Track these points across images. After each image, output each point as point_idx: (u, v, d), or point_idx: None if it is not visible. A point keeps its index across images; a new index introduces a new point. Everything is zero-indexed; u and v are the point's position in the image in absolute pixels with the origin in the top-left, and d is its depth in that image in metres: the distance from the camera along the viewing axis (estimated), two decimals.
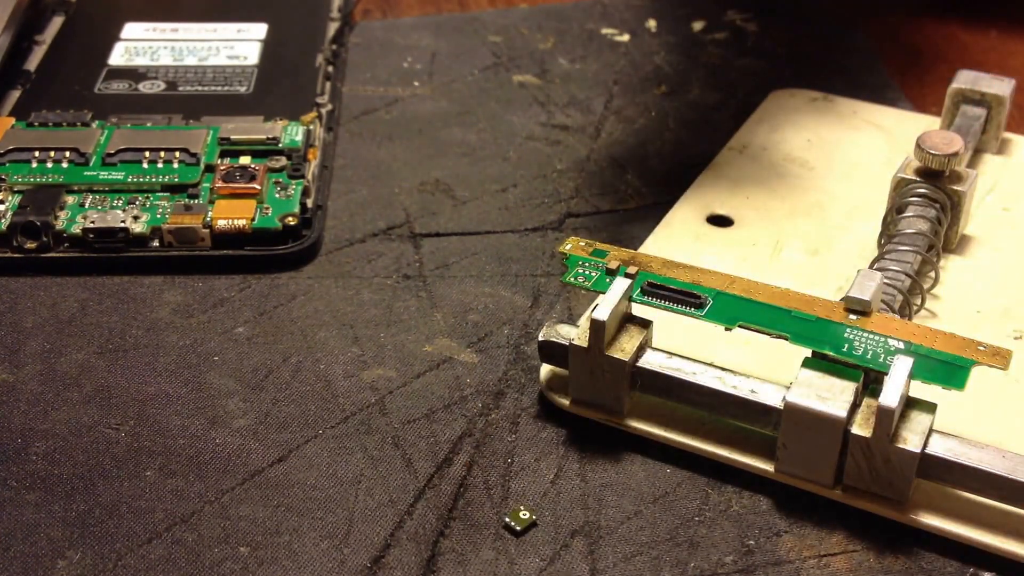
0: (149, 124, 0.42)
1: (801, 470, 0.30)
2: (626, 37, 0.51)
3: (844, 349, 0.30)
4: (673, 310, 0.32)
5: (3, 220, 0.38)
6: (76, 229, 0.38)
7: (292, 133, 0.42)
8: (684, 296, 0.32)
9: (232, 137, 0.41)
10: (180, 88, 0.45)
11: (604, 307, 0.31)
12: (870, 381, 0.30)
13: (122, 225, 0.38)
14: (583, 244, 0.34)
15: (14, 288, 0.37)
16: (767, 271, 0.37)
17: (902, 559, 0.29)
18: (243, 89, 0.45)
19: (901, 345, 0.30)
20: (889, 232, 0.36)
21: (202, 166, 0.40)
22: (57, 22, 0.49)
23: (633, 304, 0.32)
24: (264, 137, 0.41)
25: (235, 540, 0.29)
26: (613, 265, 0.33)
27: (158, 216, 0.38)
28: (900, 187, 0.37)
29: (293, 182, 0.40)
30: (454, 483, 0.31)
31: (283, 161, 0.41)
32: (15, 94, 0.44)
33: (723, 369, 0.31)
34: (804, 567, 0.29)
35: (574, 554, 0.29)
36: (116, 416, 0.33)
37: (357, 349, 0.35)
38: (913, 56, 0.50)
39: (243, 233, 0.38)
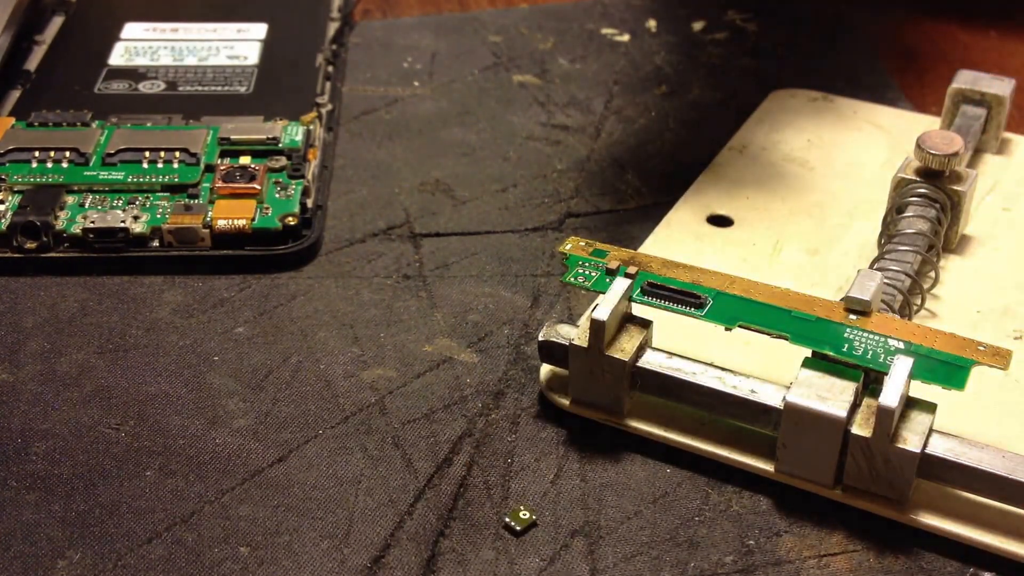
0: (149, 124, 0.42)
1: (801, 470, 0.30)
2: (626, 37, 0.51)
3: (844, 349, 0.30)
4: (673, 310, 0.32)
5: (3, 220, 0.38)
6: (76, 229, 0.38)
7: (292, 133, 0.42)
8: (684, 296, 0.32)
9: (232, 137, 0.41)
10: (180, 88, 0.45)
11: (604, 307, 0.31)
12: (870, 381, 0.30)
13: (122, 225, 0.38)
14: (583, 244, 0.34)
15: (14, 288, 0.37)
16: (767, 271, 0.37)
17: (902, 559, 0.29)
18: (243, 89, 0.45)
19: (901, 345, 0.30)
20: (889, 232, 0.36)
21: (202, 166, 0.40)
22: (57, 22, 0.49)
23: (633, 304, 0.32)
24: (264, 137, 0.41)
25: (235, 540, 0.29)
26: (613, 265, 0.33)
27: (158, 216, 0.38)
28: (900, 187, 0.37)
29: (293, 182, 0.40)
30: (454, 483, 0.31)
31: (283, 161, 0.41)
32: (15, 94, 0.44)
33: (723, 369, 0.31)
34: (804, 567, 0.29)
35: (574, 554, 0.29)
36: (116, 416, 0.33)
37: (357, 349, 0.35)
38: (913, 56, 0.50)
39: (243, 233, 0.38)
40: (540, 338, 0.32)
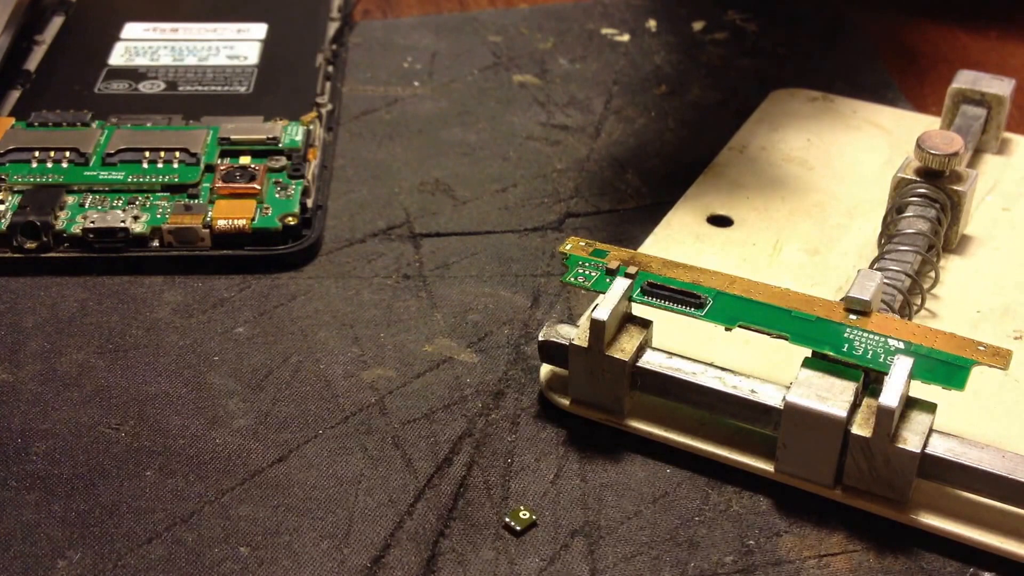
0: (149, 124, 0.42)
1: (801, 470, 0.30)
2: (626, 37, 0.51)
3: (844, 349, 0.30)
4: (673, 310, 0.32)
5: (3, 220, 0.38)
6: (76, 229, 0.38)
7: (292, 133, 0.42)
8: (684, 296, 0.32)
9: (232, 137, 0.41)
10: (180, 88, 0.45)
11: (604, 307, 0.31)
12: (870, 381, 0.30)
13: (122, 225, 0.38)
14: (583, 244, 0.34)
15: (14, 288, 0.37)
16: (767, 271, 0.37)
17: (902, 559, 0.29)
18: (243, 89, 0.45)
19: (901, 345, 0.30)
20: (889, 232, 0.36)
21: (202, 166, 0.40)
22: (57, 22, 0.49)
23: (633, 304, 0.32)
24: (264, 137, 0.41)
25: (235, 540, 0.29)
26: (613, 265, 0.33)
27: (158, 216, 0.38)
28: (900, 187, 0.37)
29: (293, 182, 0.40)
30: (454, 483, 0.31)
31: (283, 161, 0.41)
32: (15, 94, 0.44)
33: (723, 369, 0.31)
34: (804, 567, 0.29)
35: (574, 554, 0.29)
36: (116, 416, 0.33)
37: (357, 349, 0.35)
38: (913, 56, 0.50)
39: (243, 233, 0.38)
40: (540, 338, 0.32)
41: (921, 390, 0.30)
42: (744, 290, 0.32)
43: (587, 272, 0.33)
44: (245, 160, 0.41)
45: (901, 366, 0.29)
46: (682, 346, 0.32)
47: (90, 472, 0.31)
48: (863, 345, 0.30)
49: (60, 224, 0.38)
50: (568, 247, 0.33)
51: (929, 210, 0.36)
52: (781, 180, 0.41)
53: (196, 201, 0.39)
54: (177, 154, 0.40)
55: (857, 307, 0.31)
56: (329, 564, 0.29)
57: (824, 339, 0.30)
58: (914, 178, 0.37)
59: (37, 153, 0.40)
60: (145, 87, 0.45)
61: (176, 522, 0.30)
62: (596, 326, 0.31)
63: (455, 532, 0.30)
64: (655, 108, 0.46)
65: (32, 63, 0.46)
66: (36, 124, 0.42)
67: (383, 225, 0.40)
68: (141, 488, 0.31)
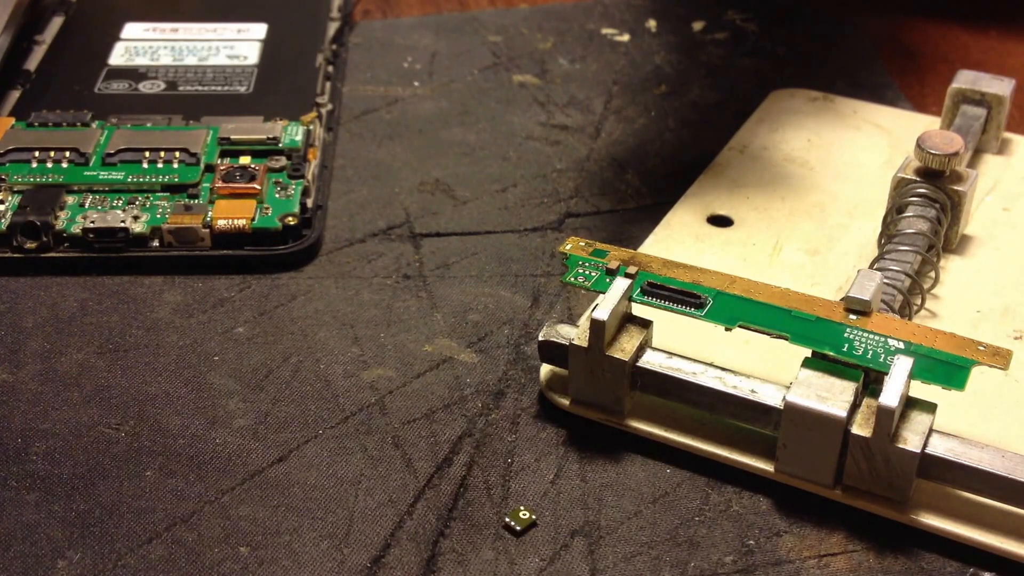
0: (149, 124, 0.42)
1: (801, 470, 0.30)
2: (626, 37, 0.51)
3: (844, 349, 0.30)
4: (673, 310, 0.32)
5: (3, 220, 0.38)
6: (76, 229, 0.38)
7: (292, 133, 0.42)
8: (684, 296, 0.32)
9: (232, 137, 0.41)
10: (180, 88, 0.45)
11: (604, 307, 0.31)
12: (870, 381, 0.30)
13: (122, 225, 0.38)
14: (583, 244, 0.34)
15: (14, 288, 0.37)
16: (767, 271, 0.37)
17: (902, 559, 0.29)
18: (243, 89, 0.45)
19: (901, 345, 0.30)
20: (889, 232, 0.36)
21: (202, 166, 0.40)
22: (57, 22, 0.49)
23: (633, 304, 0.32)
24: (264, 137, 0.41)
25: (235, 540, 0.29)
26: (613, 265, 0.33)
27: (158, 216, 0.38)
28: (900, 187, 0.37)
29: (293, 182, 0.40)
30: (454, 483, 0.31)
31: (283, 161, 0.41)
32: (15, 94, 0.44)
33: (723, 369, 0.31)
34: (804, 567, 0.29)
35: (574, 554, 0.29)
36: (116, 416, 0.33)
37: (357, 349, 0.35)
38: (913, 56, 0.50)
39: (243, 233, 0.38)
40: (540, 338, 0.32)
41: (921, 390, 0.30)
42: (744, 290, 0.32)
43: (587, 272, 0.33)
44: (245, 160, 0.41)
45: (901, 366, 0.29)
46: (682, 346, 0.32)
47: (90, 472, 0.31)
48: (863, 345, 0.30)
49: (60, 224, 0.38)
50: (568, 247, 0.33)
51: (929, 210, 0.36)
52: (781, 180, 0.41)
53: (196, 201, 0.39)
54: (177, 154, 0.40)
55: (857, 307, 0.31)
56: (329, 564, 0.29)
57: (824, 339, 0.30)
58: (914, 178, 0.37)
59: (37, 153, 0.40)
60: (145, 87, 0.45)
61: (176, 522, 0.30)
62: (596, 326, 0.31)
63: (455, 532, 0.30)
64: (655, 108, 0.46)
65: (32, 63, 0.46)
66: (36, 124, 0.42)
67: (383, 225, 0.40)
68: (141, 488, 0.31)
